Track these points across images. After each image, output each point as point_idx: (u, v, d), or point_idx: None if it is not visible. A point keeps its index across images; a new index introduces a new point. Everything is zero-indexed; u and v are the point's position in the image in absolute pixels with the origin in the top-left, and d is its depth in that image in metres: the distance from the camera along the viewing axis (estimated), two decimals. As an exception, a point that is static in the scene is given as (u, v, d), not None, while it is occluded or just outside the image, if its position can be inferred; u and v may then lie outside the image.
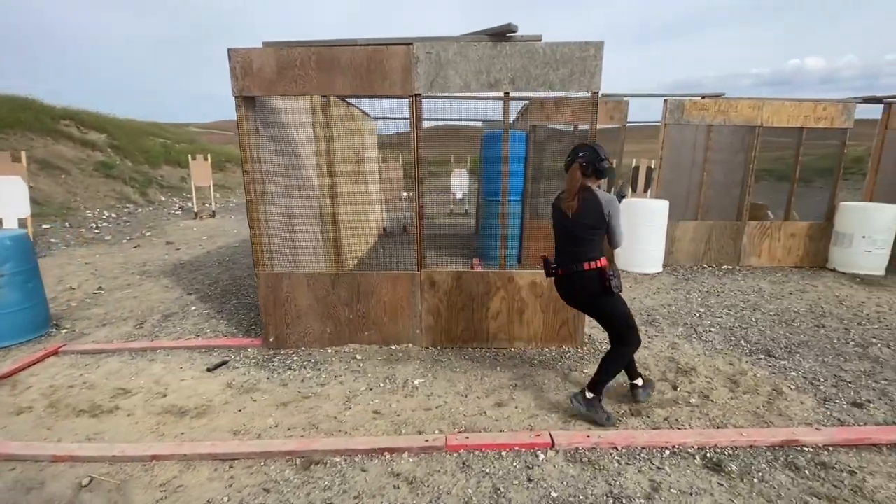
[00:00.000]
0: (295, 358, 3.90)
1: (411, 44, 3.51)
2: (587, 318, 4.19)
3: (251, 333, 4.42)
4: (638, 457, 2.56)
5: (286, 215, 4.13)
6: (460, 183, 13.28)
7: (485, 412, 3.04)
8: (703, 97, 6.48)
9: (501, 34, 3.46)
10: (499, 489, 2.34)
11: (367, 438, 2.72)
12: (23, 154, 7.32)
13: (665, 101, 6.45)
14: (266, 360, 3.88)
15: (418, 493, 2.33)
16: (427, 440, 2.67)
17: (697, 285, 5.86)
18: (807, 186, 10.28)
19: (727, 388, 3.32)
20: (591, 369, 3.60)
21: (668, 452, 2.59)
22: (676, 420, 2.92)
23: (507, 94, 3.61)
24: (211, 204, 13.17)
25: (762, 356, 3.82)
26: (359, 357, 3.87)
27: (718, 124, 6.47)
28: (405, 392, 3.33)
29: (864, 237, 6.31)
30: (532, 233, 6.93)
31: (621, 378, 3.15)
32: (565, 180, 2.87)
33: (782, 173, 20.51)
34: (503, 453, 2.60)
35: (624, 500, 2.24)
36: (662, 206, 6.39)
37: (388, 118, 8.26)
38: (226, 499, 2.32)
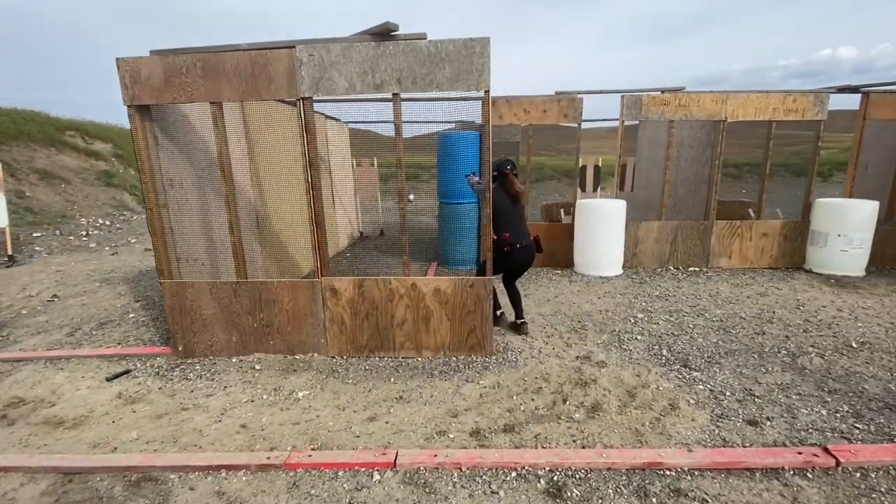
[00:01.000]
0: (197, 367, 3.87)
1: (294, 46, 3.43)
2: (495, 326, 4.08)
3: (171, 342, 4.42)
4: (479, 479, 2.40)
5: (192, 223, 4.11)
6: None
7: (351, 427, 2.93)
8: (663, 91, 6.18)
9: (384, 33, 3.34)
10: (315, 512, 2.22)
11: (207, 455, 2.64)
12: (-1, 165, 7.59)
13: (622, 97, 6.18)
14: (169, 369, 3.86)
15: (232, 514, 2.24)
16: (269, 458, 2.57)
17: (651, 289, 5.58)
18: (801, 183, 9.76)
19: (621, 402, 3.10)
20: (490, 380, 3.45)
21: (514, 474, 2.42)
22: (546, 438, 2.73)
23: (395, 95, 3.49)
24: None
25: (677, 367, 3.57)
26: (258, 367, 3.81)
27: (679, 120, 6.16)
28: (284, 405, 3.24)
29: (839, 236, 5.90)
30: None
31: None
32: (509, 182, 4.13)
33: (800, 168, 19.62)
34: (340, 473, 2.48)
35: (438, 528, 2.09)
36: (618, 206, 6.13)
37: (360, 122, 8.23)
38: (40, 516, 2.28)
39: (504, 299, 4.51)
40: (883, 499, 2.19)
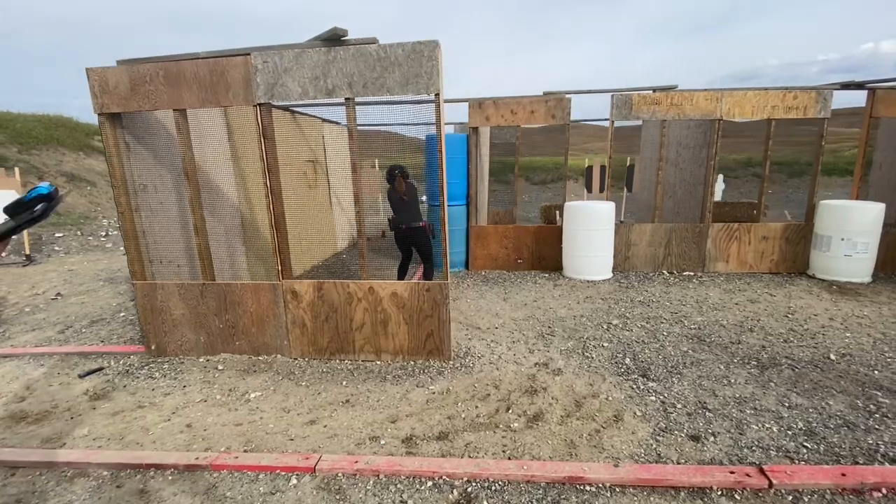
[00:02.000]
0: (165, 366, 3.99)
1: (249, 54, 3.49)
2: (453, 330, 4.05)
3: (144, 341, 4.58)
4: (393, 487, 2.38)
5: (164, 226, 4.23)
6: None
7: (289, 430, 2.96)
8: (654, 90, 5.99)
9: (334, 39, 3.36)
10: (226, 514, 2.25)
11: (140, 453, 2.72)
12: (16, 170, 8.03)
13: (612, 96, 6.03)
14: (139, 367, 3.99)
15: (147, 513, 2.29)
16: (197, 458, 2.63)
17: (636, 294, 5.42)
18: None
19: (565, 412, 3.03)
20: (441, 386, 3.42)
21: (430, 484, 2.40)
22: (476, 447, 2.69)
23: (348, 99, 3.50)
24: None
25: (635, 377, 3.45)
26: (220, 367, 3.89)
27: (672, 119, 5.96)
28: (234, 405, 3.30)
29: (843, 240, 5.58)
30: (479, 238, 6.72)
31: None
32: (397, 183, 4.99)
33: (830, 167, 18.64)
34: (261, 476, 2.51)
35: (338, 535, 2.09)
36: (607, 208, 5.98)
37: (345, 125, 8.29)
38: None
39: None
40: (809, 524, 2.06)
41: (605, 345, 4.03)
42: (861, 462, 2.43)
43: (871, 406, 2.97)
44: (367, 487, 2.38)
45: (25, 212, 1.41)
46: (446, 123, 9.36)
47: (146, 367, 3.97)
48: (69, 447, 2.88)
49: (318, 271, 6.94)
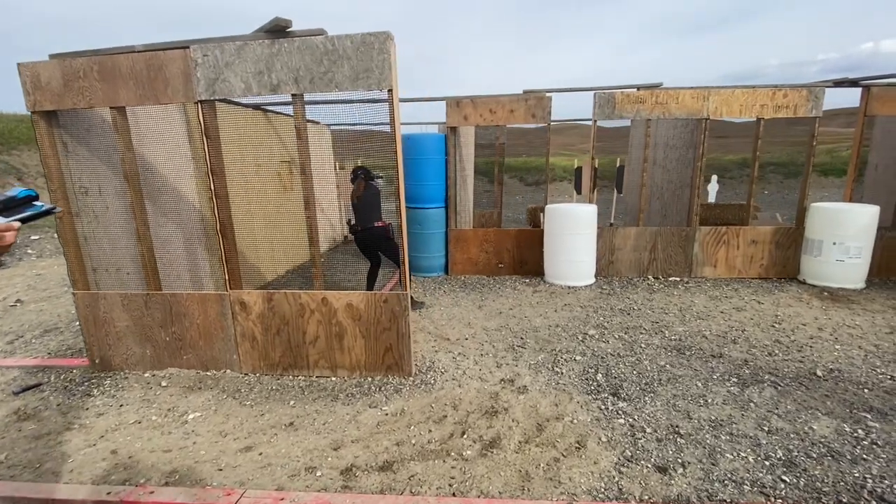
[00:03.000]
0: (106, 382, 3.72)
1: (188, 47, 3.22)
2: (421, 341, 3.80)
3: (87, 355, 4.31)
4: (319, 529, 2.12)
5: (109, 232, 3.97)
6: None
7: (221, 458, 2.70)
8: (639, 88, 5.73)
9: (277, 30, 3.10)
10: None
11: (48, 486, 2.46)
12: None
13: (594, 94, 5.77)
14: (79, 383, 3.73)
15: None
16: (109, 493, 2.37)
17: (618, 301, 5.16)
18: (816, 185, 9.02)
19: (524, 437, 2.77)
20: (395, 406, 3.16)
21: (360, 525, 2.14)
22: (421, 480, 2.43)
23: (296, 96, 3.24)
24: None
25: (605, 395, 3.19)
26: (164, 384, 3.63)
27: (657, 118, 5.70)
28: (169, 428, 3.04)
29: (835, 244, 5.33)
30: (458, 242, 6.46)
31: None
32: (356, 186, 4.90)
33: (829, 167, 18.37)
34: (175, 515, 2.25)
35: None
36: (589, 210, 5.72)
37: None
38: None
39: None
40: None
41: (578, 358, 3.77)
42: (844, 501, 2.17)
43: (860, 431, 2.71)
44: (289, 530, 2.13)
45: (16, 207, 1.24)
46: (428, 123, 9.08)
47: (86, 383, 3.71)
48: (-23, 478, 2.62)
49: (292, 277, 6.68)
